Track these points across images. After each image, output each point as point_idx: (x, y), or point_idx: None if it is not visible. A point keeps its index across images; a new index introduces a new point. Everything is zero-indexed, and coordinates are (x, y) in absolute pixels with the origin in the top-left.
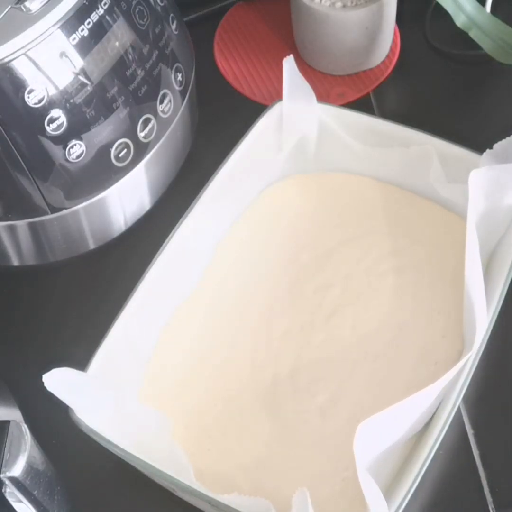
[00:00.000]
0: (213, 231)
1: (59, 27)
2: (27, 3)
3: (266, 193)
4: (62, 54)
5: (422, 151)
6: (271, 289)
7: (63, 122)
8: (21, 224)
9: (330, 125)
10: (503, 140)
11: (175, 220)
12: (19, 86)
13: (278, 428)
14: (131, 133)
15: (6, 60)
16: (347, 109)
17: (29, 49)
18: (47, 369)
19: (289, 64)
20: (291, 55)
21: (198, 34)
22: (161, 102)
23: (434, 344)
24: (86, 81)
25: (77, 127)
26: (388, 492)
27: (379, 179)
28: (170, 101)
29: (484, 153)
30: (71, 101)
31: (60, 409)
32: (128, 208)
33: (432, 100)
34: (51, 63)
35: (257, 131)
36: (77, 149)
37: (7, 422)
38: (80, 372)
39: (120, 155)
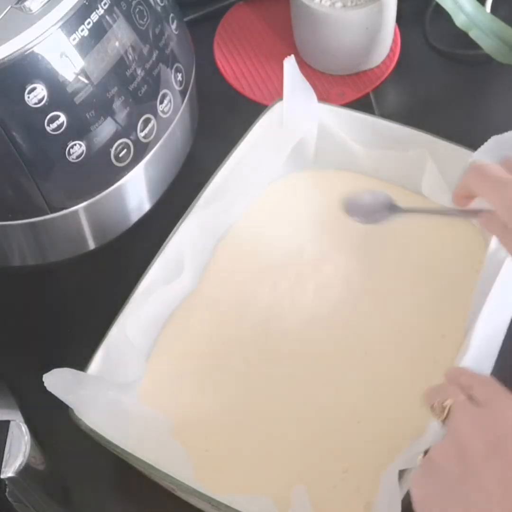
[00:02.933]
0: (213, 231)
1: (59, 27)
2: (27, 3)
3: (266, 192)
4: (62, 54)
5: (419, 155)
6: (271, 289)
7: (63, 122)
8: (21, 224)
9: (330, 125)
10: (499, 135)
11: (175, 220)
12: (19, 86)
13: (277, 428)
14: (131, 133)
15: (6, 60)
16: (347, 109)
17: (29, 49)
18: (47, 369)
19: (290, 64)
20: (292, 55)
21: (198, 34)
22: (161, 102)
23: (434, 343)
24: (86, 81)
25: (77, 127)
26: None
27: (379, 179)
28: (170, 101)
29: (476, 152)
30: (71, 101)
31: (60, 409)
32: (128, 208)
33: (432, 100)
34: (51, 63)
35: (257, 131)
36: (77, 149)
37: (7, 422)
38: (80, 372)
39: (120, 155)
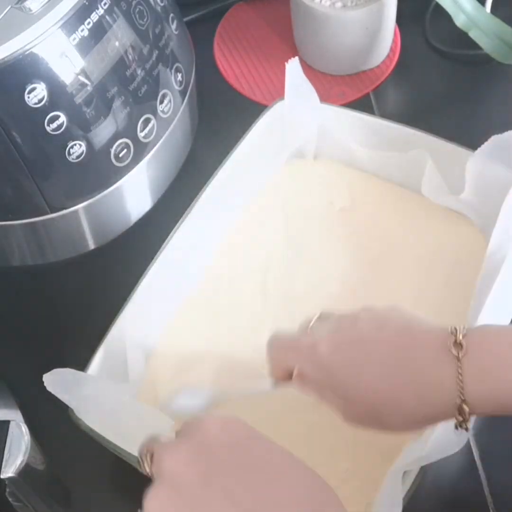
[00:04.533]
0: (213, 231)
1: (59, 27)
2: (27, 3)
3: (265, 192)
4: (62, 54)
5: (419, 155)
6: (271, 288)
7: (63, 122)
8: (21, 224)
9: (330, 125)
10: (499, 135)
11: (175, 220)
12: (19, 86)
13: (278, 428)
14: (131, 133)
15: (6, 60)
16: (347, 109)
17: (29, 49)
18: (47, 369)
19: (292, 66)
20: (297, 57)
21: (198, 34)
22: (161, 102)
23: None
24: (86, 81)
25: (77, 127)
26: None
27: (379, 179)
28: (170, 101)
29: (476, 151)
30: (71, 101)
31: (60, 409)
32: (128, 208)
33: (432, 100)
34: (51, 63)
35: (257, 131)
36: (77, 149)
37: (7, 422)
38: (80, 372)
39: (120, 155)
